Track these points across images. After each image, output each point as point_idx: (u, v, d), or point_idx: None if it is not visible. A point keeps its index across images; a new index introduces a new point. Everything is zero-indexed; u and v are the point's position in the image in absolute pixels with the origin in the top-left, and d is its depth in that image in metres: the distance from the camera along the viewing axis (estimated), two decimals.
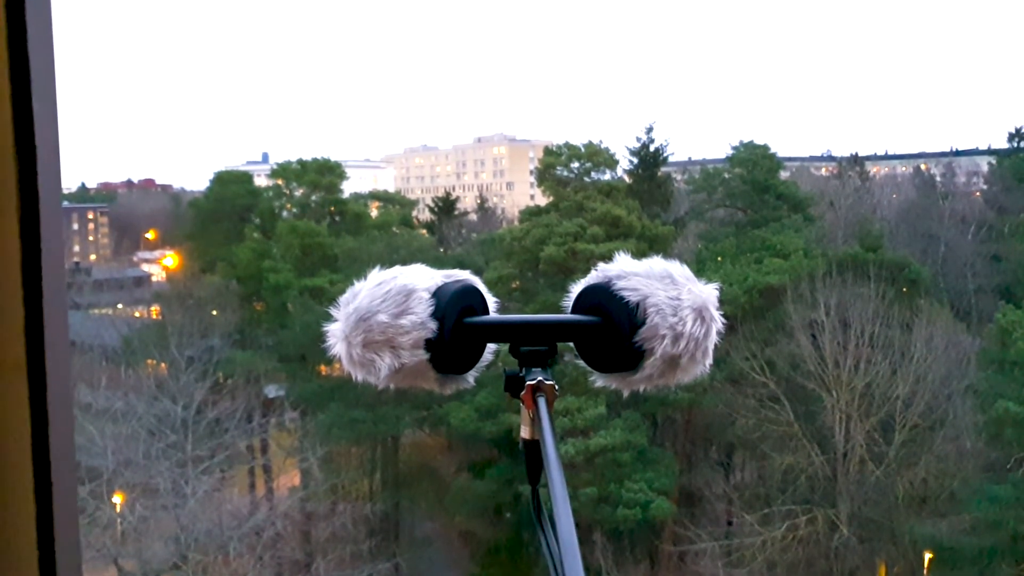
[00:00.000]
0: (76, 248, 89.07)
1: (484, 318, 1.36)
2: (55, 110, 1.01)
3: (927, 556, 26.84)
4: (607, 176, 34.09)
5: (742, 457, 33.02)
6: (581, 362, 1.37)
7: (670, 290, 1.31)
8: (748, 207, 35.09)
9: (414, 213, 48.48)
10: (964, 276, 40.56)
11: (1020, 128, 48.00)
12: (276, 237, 37.28)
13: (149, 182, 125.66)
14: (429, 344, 1.29)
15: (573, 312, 1.36)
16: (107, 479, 24.69)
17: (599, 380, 1.38)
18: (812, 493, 27.55)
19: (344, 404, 30.39)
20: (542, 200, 36.73)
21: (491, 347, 1.38)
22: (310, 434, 30.36)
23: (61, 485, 1.00)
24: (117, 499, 25.92)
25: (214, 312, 34.03)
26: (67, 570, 1.02)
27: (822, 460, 27.41)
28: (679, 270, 1.34)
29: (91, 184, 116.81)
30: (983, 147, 68.93)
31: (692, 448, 33.67)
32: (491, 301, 1.39)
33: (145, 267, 70.57)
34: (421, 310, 1.29)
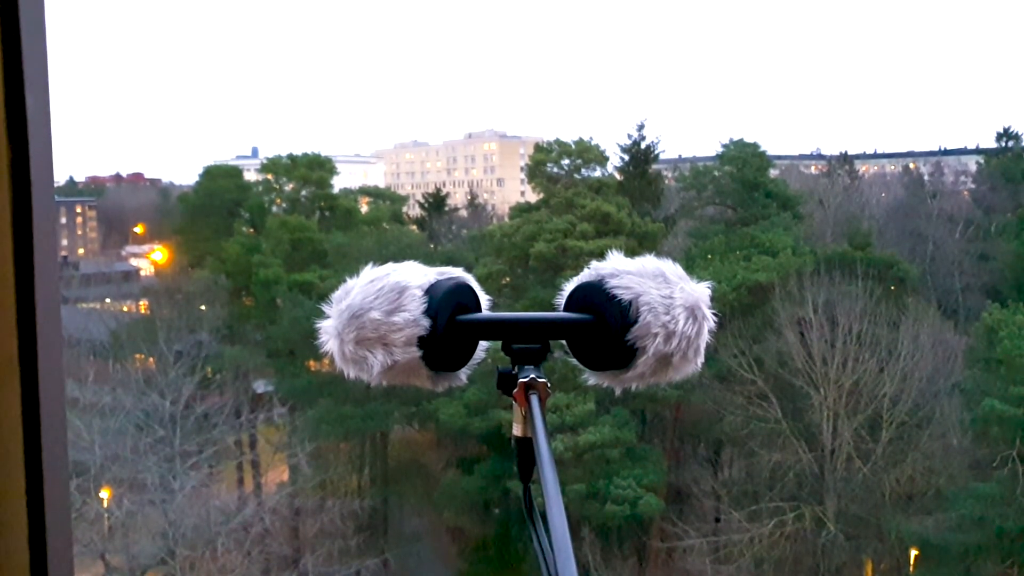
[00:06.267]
0: (64, 242, 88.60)
1: (477, 316, 1.36)
2: (48, 105, 1.01)
3: (913, 553, 26.99)
4: (597, 173, 34.15)
5: (730, 454, 33.08)
6: (573, 360, 1.37)
7: (663, 289, 1.31)
8: (737, 205, 35.17)
9: (404, 209, 48.37)
10: (952, 275, 40.74)
11: (1008, 128, 48.46)
12: (265, 232, 37.19)
13: (138, 176, 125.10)
14: (422, 341, 1.29)
15: (565, 310, 1.36)
16: (94, 474, 24.54)
17: (591, 378, 1.38)
18: (799, 490, 27.65)
19: (333, 400, 30.35)
20: (532, 196, 36.74)
21: (482, 344, 1.38)
22: (299, 430, 30.28)
23: (53, 482, 1.00)
24: (104, 494, 25.80)
25: (203, 307, 33.91)
26: (59, 568, 1.01)
27: (809, 457, 27.51)
28: (672, 268, 1.34)
29: (79, 178, 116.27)
30: (971, 146, 69.43)
31: (680, 445, 33.75)
32: (484, 299, 1.39)
33: (133, 261, 70.26)
34: (414, 307, 1.29)
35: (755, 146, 35.48)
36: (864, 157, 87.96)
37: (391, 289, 1.30)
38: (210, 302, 34.22)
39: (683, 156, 64.25)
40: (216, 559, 24.73)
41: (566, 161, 33.50)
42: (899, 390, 27.23)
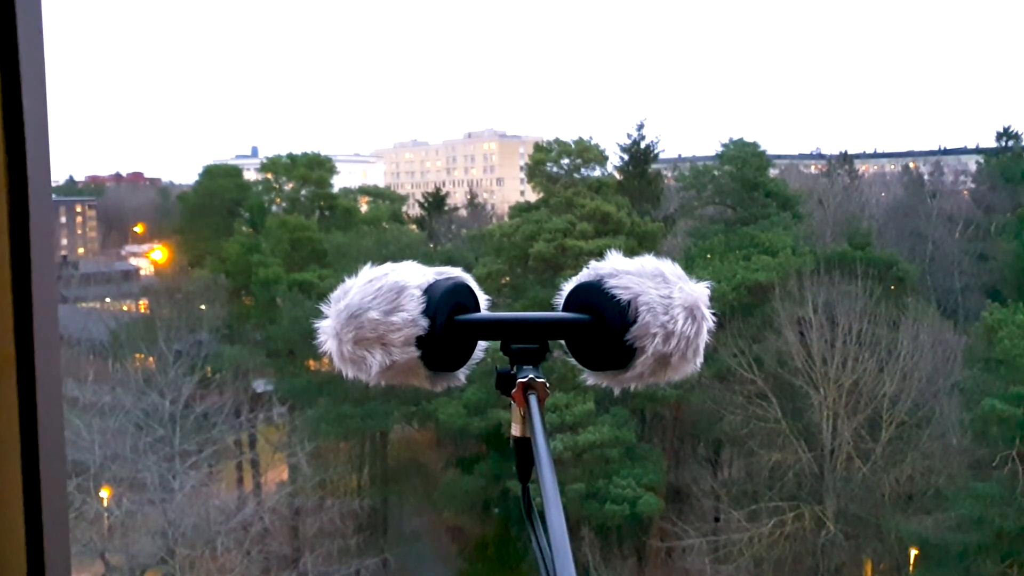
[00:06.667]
0: (64, 242, 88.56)
1: (475, 316, 1.35)
2: (45, 106, 1.01)
3: (913, 553, 26.99)
4: (597, 172, 34.13)
5: (730, 453, 33.09)
6: (572, 360, 1.36)
7: (662, 289, 1.30)
8: (737, 204, 35.16)
9: (404, 208, 48.37)
10: (951, 274, 40.76)
11: (1008, 127, 48.44)
12: (265, 231, 37.17)
13: (138, 175, 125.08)
14: (420, 341, 1.29)
15: (564, 310, 1.36)
16: (94, 473, 24.55)
17: (590, 378, 1.38)
18: (799, 490, 27.65)
19: (333, 399, 30.34)
20: (532, 196, 36.72)
21: (481, 344, 1.37)
22: (298, 429, 30.29)
23: (50, 481, 1.00)
24: (104, 493, 25.81)
25: (202, 306, 33.92)
26: (56, 566, 1.01)
27: (809, 457, 27.50)
28: (671, 268, 1.34)
29: (79, 177, 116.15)
30: (971, 146, 69.51)
31: (680, 444, 33.75)
32: (483, 299, 1.39)
33: (133, 261, 70.28)
34: (412, 307, 1.29)
35: (755, 146, 35.48)
36: (864, 157, 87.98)
37: (389, 289, 1.30)
38: (210, 302, 34.24)
39: (683, 156, 64.39)
40: (216, 558, 24.73)
41: (566, 161, 33.49)
42: (899, 390, 27.22)
